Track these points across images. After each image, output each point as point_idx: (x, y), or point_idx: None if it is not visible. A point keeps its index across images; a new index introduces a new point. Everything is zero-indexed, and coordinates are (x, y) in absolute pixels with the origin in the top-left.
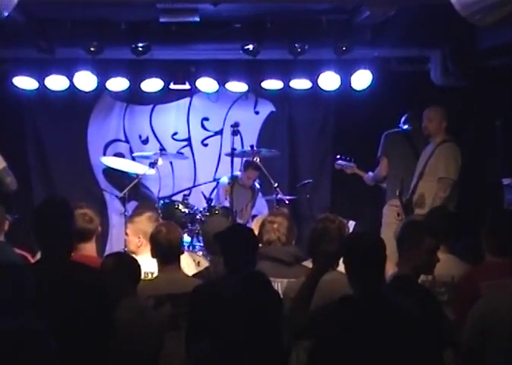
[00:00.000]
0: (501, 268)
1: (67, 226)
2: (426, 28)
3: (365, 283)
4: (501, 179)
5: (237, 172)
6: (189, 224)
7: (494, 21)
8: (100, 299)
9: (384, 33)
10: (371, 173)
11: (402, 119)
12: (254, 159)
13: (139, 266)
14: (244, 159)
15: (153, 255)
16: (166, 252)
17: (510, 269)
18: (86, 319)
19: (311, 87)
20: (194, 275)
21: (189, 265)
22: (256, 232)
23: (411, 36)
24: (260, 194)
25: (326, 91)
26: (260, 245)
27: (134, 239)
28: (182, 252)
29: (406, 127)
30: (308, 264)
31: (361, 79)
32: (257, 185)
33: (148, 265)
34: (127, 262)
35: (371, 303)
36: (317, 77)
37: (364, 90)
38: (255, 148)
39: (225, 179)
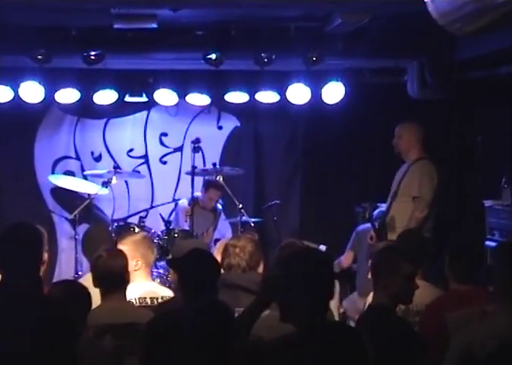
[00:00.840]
0: (465, 297)
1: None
2: (402, 37)
3: (310, 311)
4: (483, 201)
5: (197, 193)
6: None
7: (474, 30)
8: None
9: (357, 43)
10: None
11: (375, 213)
12: (217, 178)
13: (89, 295)
14: (206, 178)
15: (95, 284)
16: (107, 280)
17: (476, 297)
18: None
19: (279, 101)
20: (159, 305)
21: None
22: (218, 257)
23: (386, 46)
24: (223, 216)
25: (295, 105)
26: (222, 271)
27: (130, 262)
28: (127, 281)
29: (377, 223)
30: None
31: (333, 92)
32: (220, 207)
33: (149, 289)
34: (76, 291)
35: (318, 335)
36: (286, 89)
37: (336, 103)
38: (218, 166)
39: (184, 201)
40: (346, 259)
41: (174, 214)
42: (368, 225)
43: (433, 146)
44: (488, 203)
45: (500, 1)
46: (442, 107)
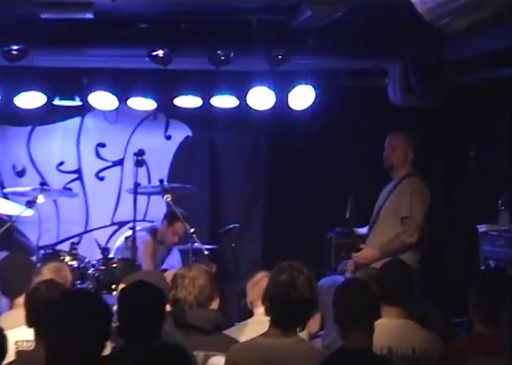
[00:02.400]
0: (492, 341)
1: None
2: (383, 34)
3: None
4: (476, 226)
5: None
6: (78, 282)
7: (465, 27)
8: None
9: (330, 40)
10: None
11: (341, 265)
12: (164, 197)
13: (5, 339)
14: (171, 209)
15: (30, 323)
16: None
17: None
18: None
19: (238, 106)
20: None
21: None
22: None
23: (364, 44)
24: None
25: (257, 111)
26: (169, 306)
27: None
28: None
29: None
30: (232, 332)
31: (302, 96)
32: None
33: None
34: None
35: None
36: (246, 93)
37: (305, 110)
38: (166, 183)
39: (143, 234)
40: (313, 323)
41: (120, 241)
42: (336, 277)
43: (419, 162)
44: (482, 228)
45: None
46: (429, 116)
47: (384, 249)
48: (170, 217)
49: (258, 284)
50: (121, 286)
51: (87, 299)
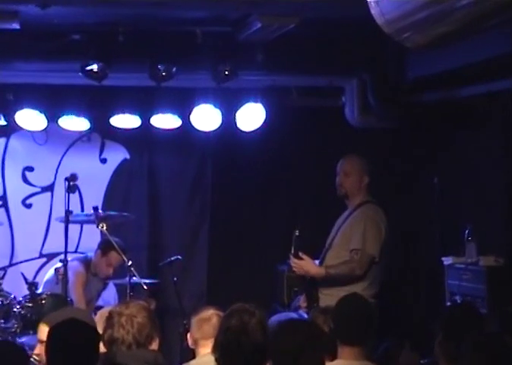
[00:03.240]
0: None
1: None
2: (339, 49)
3: None
4: (441, 258)
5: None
6: (1, 321)
7: (428, 42)
8: None
9: (281, 54)
10: None
11: (295, 300)
12: (99, 226)
13: None
14: (105, 238)
15: None
16: None
17: None
18: None
19: (181, 126)
20: None
21: None
22: (100, 329)
23: (318, 60)
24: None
25: (201, 132)
26: (104, 346)
27: None
28: None
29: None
30: None
31: (251, 116)
32: None
33: None
34: None
35: None
36: (190, 112)
37: (254, 131)
38: (100, 211)
39: (76, 264)
40: None
41: (49, 274)
42: (289, 315)
43: (376, 187)
44: (447, 260)
45: (458, 6)
46: (388, 138)
47: (329, 271)
48: (104, 246)
49: (207, 321)
50: (42, 326)
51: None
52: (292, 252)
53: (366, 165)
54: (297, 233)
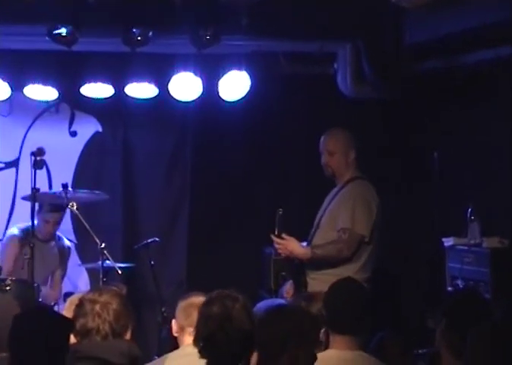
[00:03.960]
0: None
1: None
2: (331, 12)
3: None
4: (441, 239)
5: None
6: None
7: (427, 2)
8: None
9: (267, 17)
10: None
11: (283, 287)
12: (69, 205)
13: None
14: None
15: None
16: None
17: None
18: None
19: (158, 96)
20: None
21: None
22: (70, 317)
23: (308, 23)
24: (77, 260)
25: (180, 102)
26: (75, 337)
27: None
28: None
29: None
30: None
31: (235, 84)
32: (68, 243)
33: None
34: None
35: None
36: (168, 81)
37: (238, 100)
38: (70, 188)
39: (14, 231)
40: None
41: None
42: (276, 301)
43: (371, 163)
44: (448, 242)
45: None
46: (385, 109)
47: (316, 251)
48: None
49: (194, 305)
50: None
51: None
52: (276, 232)
53: (350, 139)
54: (280, 212)
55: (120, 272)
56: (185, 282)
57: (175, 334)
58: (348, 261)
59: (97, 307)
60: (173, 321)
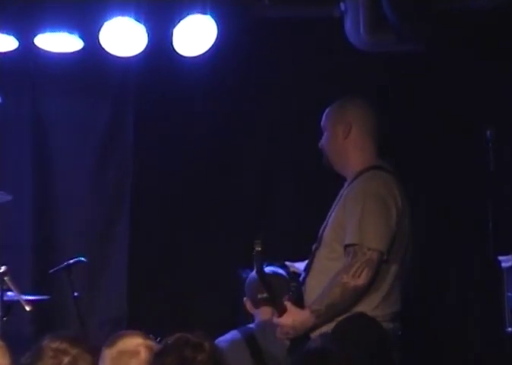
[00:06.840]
0: None
1: None
2: None
3: None
4: (497, 256)
5: None
6: None
7: None
8: None
9: None
10: None
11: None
12: None
13: None
14: None
15: None
16: None
17: None
18: None
19: (84, 51)
20: None
21: None
22: None
23: None
24: None
25: (117, 58)
26: None
27: None
28: None
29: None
30: None
31: (195, 34)
32: None
33: None
34: None
35: None
36: (98, 29)
37: (200, 56)
38: None
39: None
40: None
41: None
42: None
43: (394, 147)
44: (507, 262)
45: None
46: (412, 68)
47: (314, 308)
48: None
49: (132, 356)
50: None
51: None
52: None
53: (358, 112)
54: (258, 247)
55: (28, 308)
56: (125, 318)
57: None
58: (362, 294)
59: None
60: None
